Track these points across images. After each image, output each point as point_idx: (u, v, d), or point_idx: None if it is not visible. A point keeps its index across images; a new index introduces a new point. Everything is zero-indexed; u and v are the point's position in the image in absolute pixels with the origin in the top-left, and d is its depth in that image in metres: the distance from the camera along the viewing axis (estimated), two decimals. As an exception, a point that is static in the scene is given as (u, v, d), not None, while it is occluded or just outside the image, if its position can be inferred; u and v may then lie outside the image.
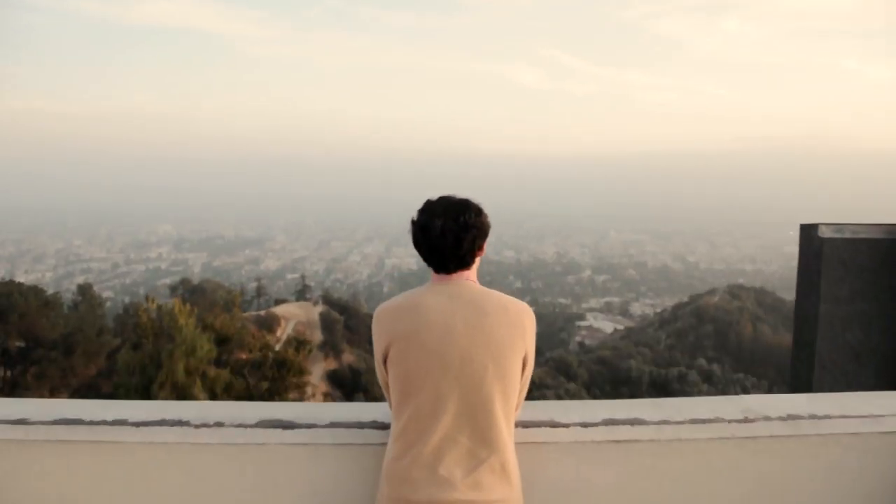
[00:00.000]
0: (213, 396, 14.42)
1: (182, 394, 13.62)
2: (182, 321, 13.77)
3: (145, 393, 13.75)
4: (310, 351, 17.66)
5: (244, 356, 16.10)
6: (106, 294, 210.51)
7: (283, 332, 78.84)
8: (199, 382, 13.82)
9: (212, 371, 14.33)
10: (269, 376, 15.59)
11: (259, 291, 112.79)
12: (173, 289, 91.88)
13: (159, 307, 14.70)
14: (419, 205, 2.84)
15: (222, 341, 16.04)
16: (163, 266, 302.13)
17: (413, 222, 2.85)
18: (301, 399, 15.59)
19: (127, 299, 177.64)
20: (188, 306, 14.72)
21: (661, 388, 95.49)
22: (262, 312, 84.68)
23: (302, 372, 16.38)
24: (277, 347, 17.66)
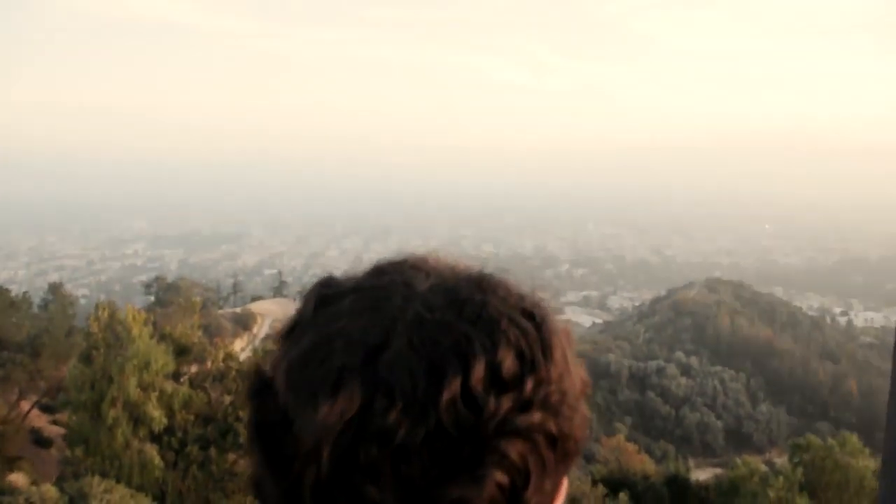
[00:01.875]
0: (171, 414, 13.72)
1: (135, 412, 12.94)
2: (136, 331, 12.98)
3: (96, 410, 13.04)
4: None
5: (206, 367, 15.45)
6: (81, 292, 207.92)
7: (260, 329, 78.13)
8: (154, 399, 13.08)
9: (169, 386, 13.60)
10: (233, 389, 14.89)
11: (235, 288, 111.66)
12: (147, 286, 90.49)
13: (112, 314, 13.88)
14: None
15: (181, 352, 15.33)
16: (138, 263, 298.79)
17: (251, 394, 0.76)
18: None
19: (102, 297, 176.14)
20: (143, 313, 13.92)
21: (640, 382, 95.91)
22: (239, 310, 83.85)
23: (269, 384, 15.71)
24: (243, 357, 16.98)
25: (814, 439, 18.98)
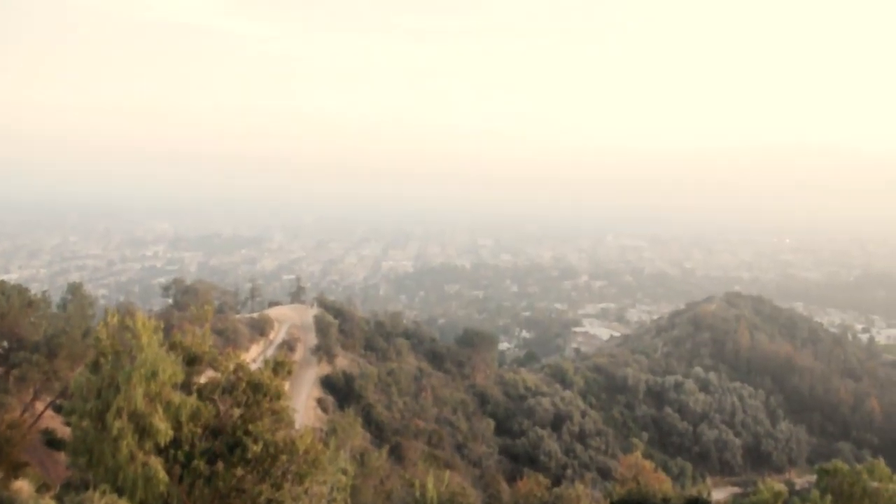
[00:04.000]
0: (178, 426, 13.30)
1: (141, 423, 12.53)
2: (145, 339, 12.61)
3: (100, 420, 12.68)
4: (289, 372, 16.54)
5: (216, 378, 15.04)
6: (101, 292, 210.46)
7: (276, 335, 77.94)
8: (160, 410, 12.70)
9: (177, 397, 13.20)
10: (242, 402, 14.48)
11: (253, 293, 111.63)
12: (165, 289, 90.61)
13: (122, 320, 13.48)
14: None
15: (191, 361, 14.94)
16: (158, 264, 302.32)
17: None
18: (277, 427, 14.44)
19: (121, 298, 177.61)
20: (153, 320, 13.53)
21: (657, 397, 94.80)
22: (256, 315, 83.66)
23: (279, 396, 15.23)
24: (255, 366, 16.60)
25: (841, 465, 18.38)
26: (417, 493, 23.19)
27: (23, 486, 12.69)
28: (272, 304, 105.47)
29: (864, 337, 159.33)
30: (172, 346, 14.64)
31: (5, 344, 35.64)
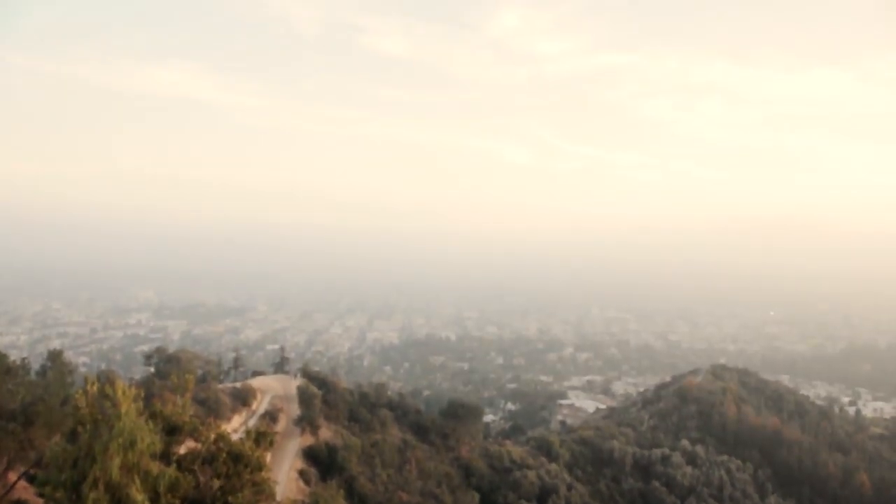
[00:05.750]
0: (156, 497, 12.98)
1: (118, 494, 12.23)
2: (124, 407, 12.40)
3: (75, 491, 12.36)
4: (271, 443, 16.29)
5: (196, 448, 14.77)
6: (82, 359, 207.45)
7: (259, 405, 76.81)
8: (137, 481, 12.40)
9: (155, 467, 12.92)
10: (223, 473, 14.20)
11: (236, 363, 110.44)
12: (148, 357, 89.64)
13: (101, 388, 13.26)
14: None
15: (172, 431, 14.71)
16: (141, 332, 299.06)
17: None
18: (257, 499, 14.02)
19: (103, 366, 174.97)
20: (133, 389, 13.32)
21: (644, 471, 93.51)
22: (239, 385, 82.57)
23: (261, 467, 14.98)
24: (236, 436, 16.32)
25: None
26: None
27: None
28: (255, 373, 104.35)
29: (852, 410, 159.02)
30: (152, 415, 14.45)
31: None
